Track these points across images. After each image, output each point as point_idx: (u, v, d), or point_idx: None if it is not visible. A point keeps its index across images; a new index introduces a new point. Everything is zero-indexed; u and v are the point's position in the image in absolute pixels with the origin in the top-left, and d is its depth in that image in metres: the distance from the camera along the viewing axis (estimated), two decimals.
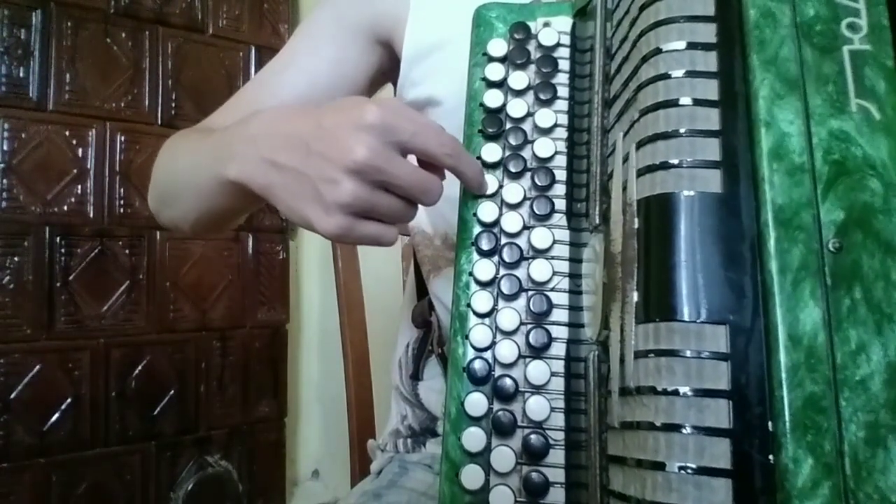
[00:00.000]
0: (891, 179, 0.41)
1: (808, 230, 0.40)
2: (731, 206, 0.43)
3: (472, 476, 0.53)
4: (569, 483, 0.53)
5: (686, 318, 0.41)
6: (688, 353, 0.41)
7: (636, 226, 0.46)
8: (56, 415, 1.87)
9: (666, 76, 0.46)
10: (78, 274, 1.93)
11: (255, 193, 0.60)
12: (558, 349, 0.56)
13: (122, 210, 2.01)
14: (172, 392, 2.08)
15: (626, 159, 0.49)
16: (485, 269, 0.58)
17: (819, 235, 0.40)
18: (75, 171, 1.94)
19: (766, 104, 0.43)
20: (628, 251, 0.46)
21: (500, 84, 0.64)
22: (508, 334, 0.56)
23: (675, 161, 0.44)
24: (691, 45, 0.46)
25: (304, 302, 2.59)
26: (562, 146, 0.61)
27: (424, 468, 0.91)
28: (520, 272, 0.58)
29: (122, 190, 2.01)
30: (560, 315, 0.57)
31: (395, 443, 0.96)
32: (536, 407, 0.54)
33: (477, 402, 0.55)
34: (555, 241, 0.58)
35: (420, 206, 0.59)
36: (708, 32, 0.46)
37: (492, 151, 0.62)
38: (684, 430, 0.40)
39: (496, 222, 0.60)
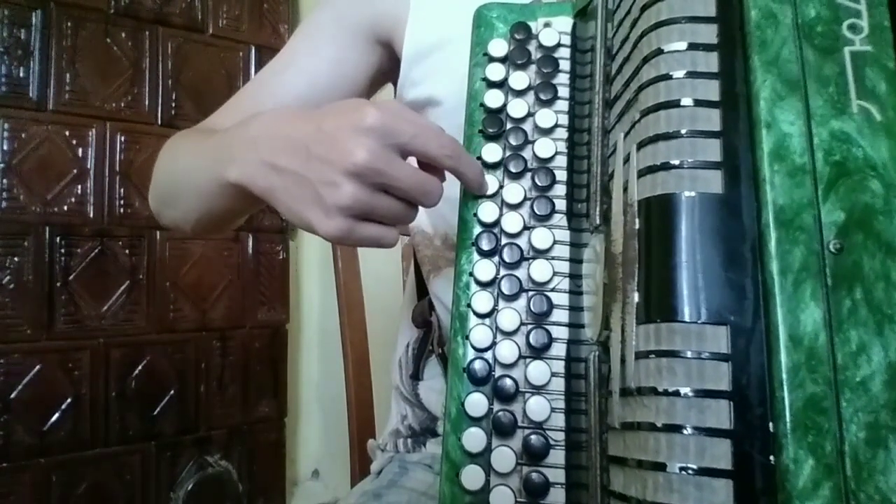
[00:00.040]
0: (891, 180, 0.41)
1: (809, 231, 0.40)
2: (732, 206, 0.43)
3: (472, 476, 0.53)
4: (569, 483, 0.53)
5: (687, 318, 0.41)
6: (689, 354, 0.41)
7: (637, 226, 0.46)
8: (56, 415, 1.87)
9: (667, 77, 0.46)
10: (78, 274, 1.93)
11: (256, 195, 0.60)
12: (559, 350, 0.56)
13: (122, 210, 2.01)
14: (172, 392, 2.08)
15: (626, 160, 0.49)
16: (485, 269, 0.58)
17: (820, 236, 0.40)
18: (75, 171, 1.94)
19: (767, 105, 0.43)
20: (629, 252, 0.46)
21: (501, 84, 0.64)
22: (509, 334, 0.56)
23: (676, 162, 0.44)
24: (692, 46, 0.46)
25: (304, 302, 2.59)
26: (562, 146, 0.61)
27: (424, 468, 0.91)
28: (520, 272, 0.58)
29: (122, 190, 2.01)
30: (560, 315, 0.57)
31: (395, 443, 0.96)
32: (537, 407, 0.54)
33: (477, 403, 0.55)
34: (555, 242, 0.58)
35: (421, 206, 0.59)
36: (709, 33, 0.46)
37: (492, 151, 0.62)
38: (685, 431, 0.40)
39: (496, 222, 0.60)
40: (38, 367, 1.85)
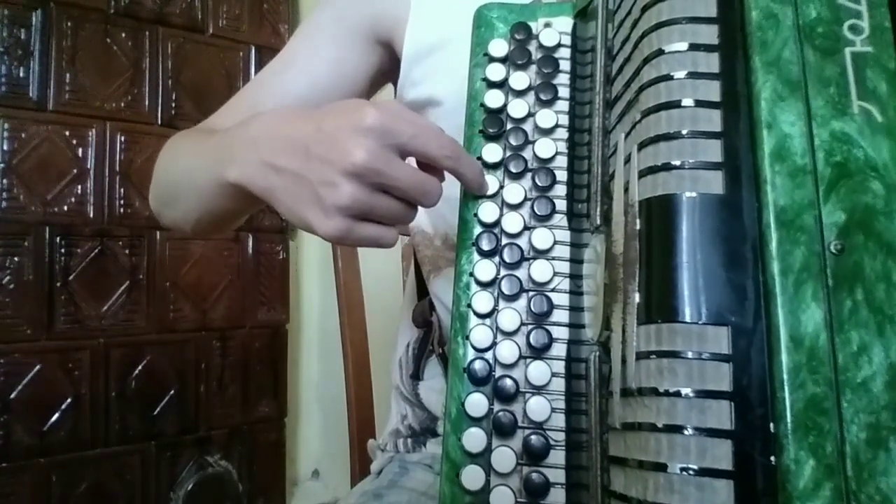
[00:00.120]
0: (892, 181, 0.41)
1: (810, 232, 0.40)
2: (733, 207, 0.43)
3: (472, 476, 0.53)
4: (569, 484, 0.53)
5: (688, 319, 0.41)
6: (689, 355, 0.41)
7: (638, 227, 0.46)
8: (56, 415, 1.87)
9: (668, 77, 0.46)
10: (78, 274, 1.93)
11: (255, 196, 0.61)
12: (559, 350, 0.56)
13: (122, 210, 2.01)
14: (172, 392, 2.08)
15: (627, 160, 0.49)
16: (485, 269, 0.58)
17: (821, 237, 0.40)
18: (75, 171, 1.94)
19: (767, 106, 0.43)
20: (630, 252, 0.46)
21: (501, 84, 0.64)
22: (509, 335, 0.56)
23: (677, 162, 0.44)
24: (693, 47, 0.46)
25: (304, 302, 2.59)
26: (563, 147, 0.62)
27: (424, 468, 0.91)
28: (520, 273, 0.58)
29: (122, 190, 2.01)
30: (561, 316, 0.57)
31: (396, 443, 0.96)
32: (537, 407, 0.54)
33: (477, 403, 0.55)
34: (555, 242, 0.58)
35: (420, 206, 0.59)
36: (710, 34, 0.46)
37: (492, 152, 0.62)
38: (686, 432, 0.40)
39: (497, 223, 0.60)
40: (38, 367, 1.85)
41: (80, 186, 1.95)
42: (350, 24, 0.89)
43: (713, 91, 0.45)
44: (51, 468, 1.85)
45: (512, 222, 0.59)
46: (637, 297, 0.45)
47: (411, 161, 0.58)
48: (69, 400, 1.89)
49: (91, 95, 1.97)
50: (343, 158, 0.54)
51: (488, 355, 0.56)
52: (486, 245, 0.59)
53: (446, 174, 0.60)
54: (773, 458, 0.38)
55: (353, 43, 0.89)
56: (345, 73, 0.89)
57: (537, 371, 0.55)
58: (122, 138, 2.02)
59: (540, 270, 0.57)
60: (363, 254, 1.33)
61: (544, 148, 0.61)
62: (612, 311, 0.48)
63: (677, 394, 0.41)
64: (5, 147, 1.83)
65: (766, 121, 0.42)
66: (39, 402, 1.85)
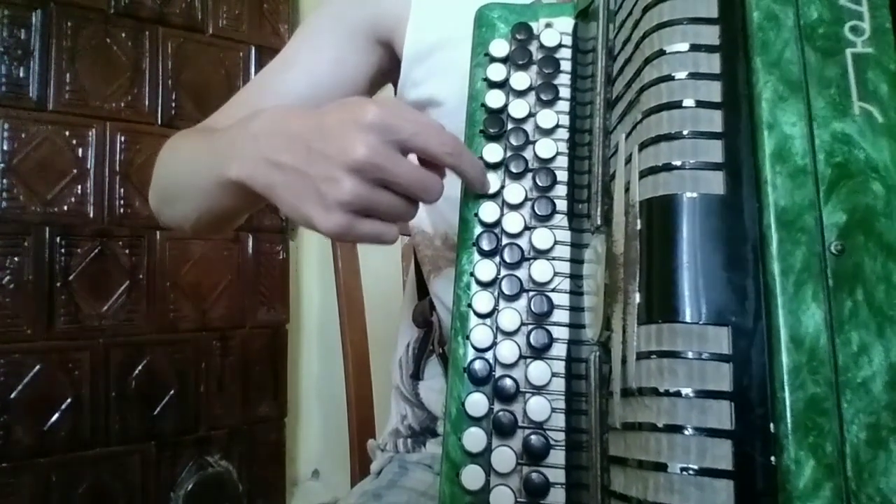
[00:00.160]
0: (893, 182, 0.41)
1: (811, 232, 0.40)
2: (734, 208, 0.43)
3: (472, 476, 0.53)
4: (569, 484, 0.53)
5: (688, 319, 0.41)
6: (689, 355, 0.41)
7: (638, 227, 0.46)
8: (56, 415, 1.87)
9: (669, 78, 0.46)
10: (78, 274, 1.93)
11: (257, 193, 0.61)
12: (559, 350, 0.56)
13: (122, 210, 2.01)
14: (172, 392, 2.08)
15: (628, 160, 0.49)
16: (486, 269, 0.58)
17: (821, 238, 0.40)
18: (75, 171, 1.94)
19: (768, 106, 0.43)
20: (630, 252, 0.46)
21: (502, 84, 0.64)
22: (509, 335, 0.56)
23: (678, 163, 0.44)
24: (694, 47, 0.46)
25: (304, 302, 2.59)
26: (563, 147, 0.62)
27: (424, 468, 0.91)
28: (521, 273, 0.58)
29: (122, 190, 2.01)
30: (561, 316, 0.57)
31: (395, 443, 0.96)
32: (537, 407, 0.54)
33: (477, 403, 0.55)
34: (556, 242, 0.58)
35: (420, 206, 0.59)
36: (711, 34, 0.46)
37: (493, 152, 0.62)
38: (686, 432, 0.40)
39: (497, 222, 0.60)
40: (38, 367, 1.85)
41: (80, 186, 1.95)
42: (351, 25, 0.89)
43: (714, 92, 0.45)
44: (51, 468, 1.86)
45: (512, 222, 0.59)
46: (637, 298, 0.45)
47: (413, 158, 0.58)
48: (69, 400, 1.89)
49: (91, 95, 1.97)
50: (344, 154, 0.54)
51: (488, 355, 0.56)
52: (486, 245, 0.59)
53: (447, 172, 0.60)
54: (773, 459, 0.38)
55: (353, 43, 0.89)
56: (345, 73, 0.89)
57: (537, 371, 0.55)
58: (122, 138, 2.02)
59: (540, 270, 0.57)
60: (363, 253, 1.33)
61: (545, 148, 0.61)
62: (613, 312, 0.48)
63: (678, 394, 0.41)
64: (5, 147, 1.83)
65: (766, 121, 0.43)
66: (39, 402, 1.85)
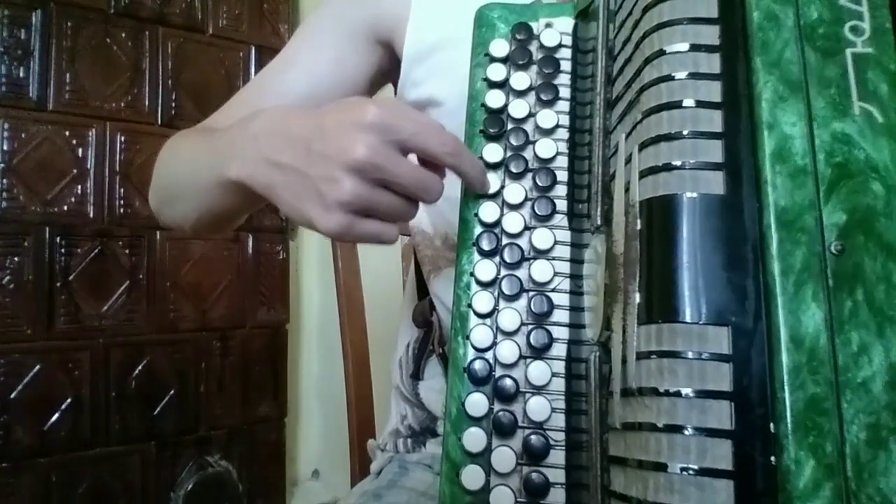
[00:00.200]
0: (893, 182, 0.41)
1: (811, 232, 0.40)
2: (734, 208, 0.43)
3: (472, 476, 0.53)
4: (569, 484, 0.53)
5: (688, 319, 0.41)
6: (690, 355, 0.41)
7: (638, 227, 0.46)
8: (56, 415, 1.87)
9: (669, 78, 0.46)
10: (78, 274, 1.93)
11: (256, 193, 0.61)
12: (559, 350, 0.56)
13: (122, 210, 2.01)
14: (172, 392, 2.08)
15: (628, 160, 0.49)
16: (486, 269, 0.58)
17: (821, 238, 0.40)
18: (75, 171, 1.94)
19: (768, 106, 0.43)
20: (630, 252, 0.46)
21: (502, 84, 0.64)
22: (509, 335, 0.56)
23: (678, 163, 0.44)
24: (694, 47, 0.46)
25: (304, 302, 2.59)
26: (563, 147, 0.62)
27: (424, 468, 0.91)
28: (521, 273, 0.58)
29: (122, 190, 2.01)
30: (561, 316, 0.57)
31: (395, 443, 0.96)
32: (537, 407, 0.54)
33: (477, 403, 0.55)
34: (556, 242, 0.58)
35: (420, 206, 0.59)
36: (711, 34, 0.46)
37: (493, 152, 0.62)
38: (686, 432, 0.40)
39: (497, 222, 0.60)
40: (38, 367, 1.85)
41: (80, 186, 1.95)
42: (351, 25, 0.89)
43: (714, 92, 0.45)
44: (51, 468, 1.86)
45: (512, 222, 0.59)
46: (637, 297, 0.45)
47: (413, 159, 0.58)
48: (69, 400, 1.89)
49: (91, 95, 1.97)
50: (344, 154, 0.54)
51: (488, 355, 0.56)
52: (486, 245, 0.59)
53: (447, 172, 0.60)
54: (773, 459, 0.38)
55: (353, 43, 0.89)
56: (345, 72, 0.89)
57: (537, 371, 0.55)
58: (122, 138, 2.02)
59: (540, 270, 0.57)
60: (363, 253, 1.33)
61: (545, 148, 0.61)
62: (613, 312, 0.48)
63: (677, 394, 0.41)
64: (5, 147, 1.83)
65: (766, 121, 0.43)
66: (39, 402, 1.85)
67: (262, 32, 2.32)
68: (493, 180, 0.61)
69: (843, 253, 0.40)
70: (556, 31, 0.65)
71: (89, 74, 1.96)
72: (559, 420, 0.54)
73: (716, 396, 0.40)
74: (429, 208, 0.89)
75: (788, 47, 0.44)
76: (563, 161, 0.61)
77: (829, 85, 0.43)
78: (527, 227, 0.59)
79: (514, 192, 0.60)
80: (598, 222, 0.55)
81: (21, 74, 1.86)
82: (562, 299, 0.57)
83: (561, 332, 0.56)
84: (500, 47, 0.65)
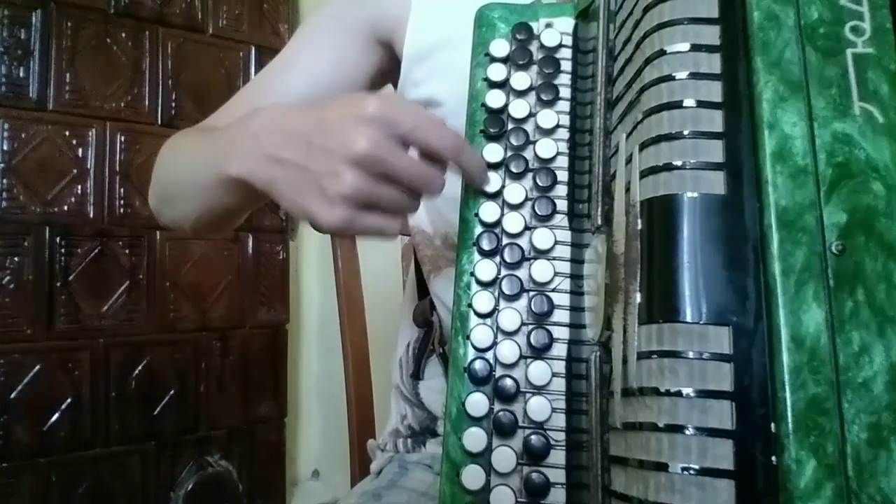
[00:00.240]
0: (893, 182, 0.41)
1: (812, 232, 0.41)
2: (735, 207, 0.43)
3: (472, 476, 0.53)
4: (570, 484, 0.53)
5: (689, 319, 0.41)
6: (690, 355, 0.41)
7: (639, 227, 0.46)
8: (56, 415, 1.87)
9: (669, 78, 0.46)
10: (78, 274, 1.93)
11: (257, 190, 0.61)
12: (559, 350, 0.56)
13: (122, 210, 2.01)
14: (172, 392, 2.08)
15: (629, 160, 0.49)
16: (486, 269, 0.58)
17: (822, 238, 0.40)
18: (75, 171, 1.94)
19: (769, 106, 0.43)
20: (631, 252, 0.46)
21: (502, 84, 0.64)
22: (509, 335, 0.56)
23: (679, 163, 0.44)
24: (695, 47, 0.46)
25: (304, 302, 2.59)
26: (563, 147, 0.62)
27: (424, 468, 0.91)
28: (521, 272, 0.58)
29: (122, 190, 2.01)
30: (561, 316, 0.57)
31: (395, 442, 0.96)
32: (537, 407, 0.54)
33: (478, 403, 0.55)
34: (556, 242, 0.58)
35: (420, 206, 0.59)
36: (712, 34, 0.46)
37: (493, 152, 0.62)
38: (687, 431, 0.40)
39: (498, 222, 0.60)
40: (38, 367, 1.85)
41: (80, 186, 1.95)
42: (351, 25, 0.89)
43: (715, 92, 0.45)
44: (51, 468, 1.86)
45: (513, 222, 0.59)
46: (638, 297, 0.45)
47: (413, 154, 0.58)
48: (69, 400, 1.89)
49: (91, 95, 1.97)
50: (345, 147, 0.54)
51: (489, 355, 0.56)
52: (486, 245, 0.59)
53: (448, 172, 0.60)
54: (774, 458, 0.38)
55: (353, 43, 0.89)
56: (345, 72, 0.89)
57: (538, 371, 0.55)
58: (122, 138, 2.02)
59: (541, 270, 0.57)
60: (363, 253, 1.33)
61: (545, 148, 0.61)
62: (614, 311, 0.48)
63: (678, 393, 0.41)
64: (5, 147, 1.83)
65: (767, 121, 0.43)
66: (39, 402, 1.85)
67: (262, 32, 2.32)
68: (494, 180, 0.61)
69: (843, 253, 0.40)
70: (556, 31, 0.65)
71: (89, 74, 1.96)
72: (559, 420, 0.54)
73: (717, 396, 0.40)
74: (428, 208, 0.89)
75: (789, 47, 0.44)
76: (563, 161, 0.61)
77: (829, 85, 0.43)
78: (527, 227, 0.59)
79: (515, 192, 0.60)
80: (599, 222, 0.55)
81: (21, 74, 1.86)
82: (562, 299, 0.57)
83: (561, 332, 0.56)
84: (500, 47, 0.65)
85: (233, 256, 2.23)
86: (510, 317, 0.57)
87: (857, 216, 0.41)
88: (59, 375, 1.88)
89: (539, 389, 0.55)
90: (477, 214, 0.60)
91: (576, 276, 0.58)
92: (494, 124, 0.62)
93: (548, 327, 0.56)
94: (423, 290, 0.97)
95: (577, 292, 0.57)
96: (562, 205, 0.60)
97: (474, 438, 0.54)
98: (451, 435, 0.55)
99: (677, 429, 0.40)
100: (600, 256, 0.53)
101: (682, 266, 0.42)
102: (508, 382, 0.55)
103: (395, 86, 0.91)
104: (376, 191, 0.55)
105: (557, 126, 0.62)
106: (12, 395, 1.81)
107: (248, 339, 2.26)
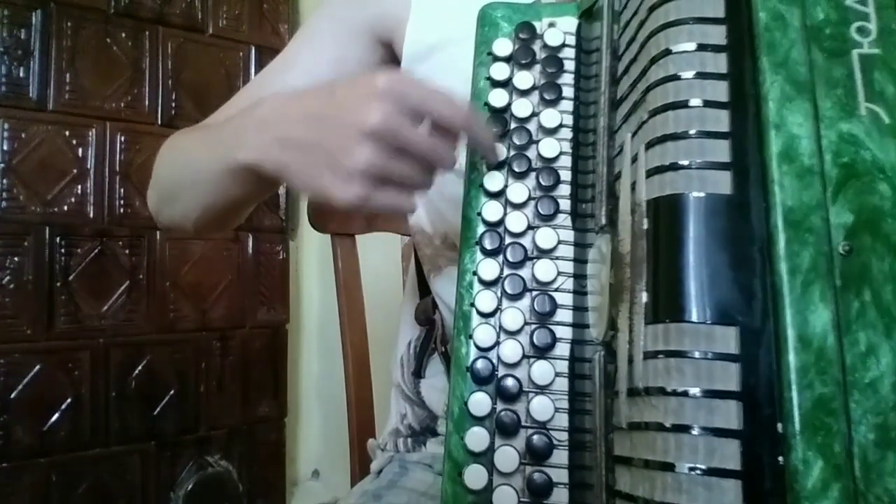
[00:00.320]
0: None
1: (818, 233, 0.41)
2: (741, 207, 0.43)
3: (475, 476, 0.53)
4: (572, 483, 0.53)
5: (695, 319, 0.41)
6: (697, 354, 0.41)
7: (645, 226, 0.46)
8: (56, 415, 1.86)
9: (675, 77, 0.46)
10: (78, 274, 1.93)
11: (267, 176, 0.61)
12: (562, 349, 0.56)
13: (122, 210, 2.01)
14: (172, 392, 2.08)
15: (634, 160, 0.49)
16: (489, 268, 0.58)
17: (829, 238, 0.40)
18: (75, 171, 1.94)
19: (775, 106, 0.43)
20: (637, 252, 0.46)
21: (505, 84, 0.64)
22: (512, 334, 0.56)
23: (685, 162, 0.44)
24: (701, 47, 0.46)
25: (304, 302, 2.59)
26: (567, 146, 0.61)
27: (424, 468, 0.91)
28: (524, 272, 0.58)
29: (122, 190, 2.01)
30: (564, 315, 0.57)
31: (395, 442, 0.96)
32: (540, 407, 0.54)
33: (480, 402, 0.55)
34: (559, 242, 0.58)
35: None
36: (718, 34, 0.46)
37: (496, 151, 0.62)
38: (694, 431, 0.40)
39: (500, 222, 0.60)
40: (38, 367, 1.85)
41: (80, 186, 1.95)
42: (351, 25, 0.89)
43: (721, 91, 0.45)
44: (51, 468, 1.85)
45: (516, 221, 0.59)
46: (644, 297, 0.45)
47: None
48: (69, 400, 1.89)
49: (91, 95, 1.97)
50: (359, 122, 0.54)
51: (491, 354, 0.56)
52: (489, 244, 0.59)
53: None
54: (781, 459, 0.38)
55: (354, 43, 0.89)
56: (346, 72, 0.89)
57: (540, 370, 0.55)
58: (122, 138, 2.02)
59: (543, 270, 0.57)
60: (363, 253, 1.33)
61: (548, 147, 0.61)
62: (619, 311, 0.48)
63: (685, 393, 0.41)
64: (5, 147, 1.83)
65: (774, 121, 0.43)
66: (39, 402, 1.85)
67: (262, 32, 2.32)
68: (497, 179, 0.60)
69: (850, 253, 0.40)
70: (559, 30, 0.65)
71: (89, 74, 1.96)
72: (562, 420, 0.54)
73: (723, 396, 0.40)
74: (428, 208, 0.89)
75: (795, 48, 0.44)
76: (566, 161, 0.61)
77: (835, 85, 0.43)
78: (530, 227, 0.59)
79: (518, 192, 0.60)
80: (603, 222, 0.55)
81: (21, 74, 1.86)
82: (565, 299, 0.57)
83: (564, 332, 0.56)
84: (503, 46, 0.65)
85: (233, 256, 2.23)
86: (513, 316, 0.56)
87: (864, 217, 0.41)
88: (59, 375, 1.88)
89: (542, 389, 0.55)
90: (480, 213, 0.60)
91: (579, 276, 0.58)
92: (497, 123, 0.62)
93: (550, 327, 0.56)
94: (423, 288, 0.97)
95: (580, 292, 0.57)
96: (565, 204, 0.60)
97: (477, 438, 0.54)
98: (453, 434, 0.54)
99: (684, 429, 0.40)
100: (604, 256, 0.53)
101: (688, 266, 0.42)
102: (511, 382, 0.55)
103: None
104: (391, 165, 0.55)
105: (560, 125, 0.62)
106: (12, 395, 1.81)
107: (248, 339, 2.26)
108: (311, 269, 2.61)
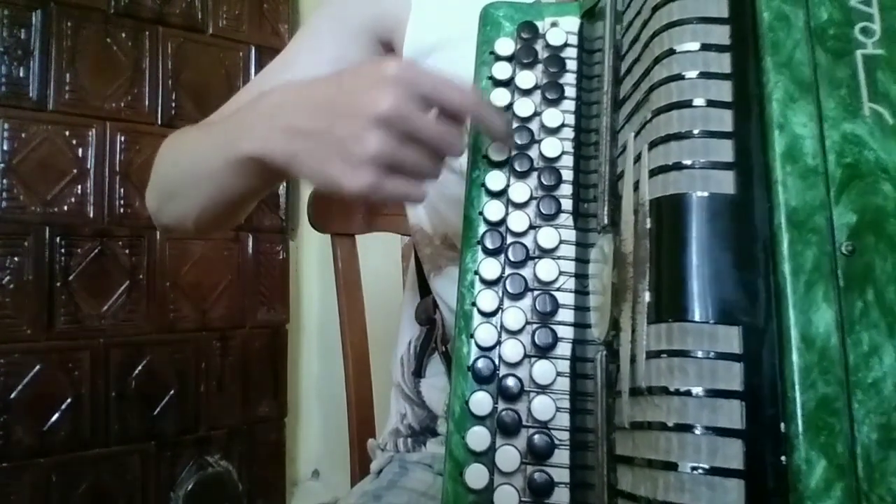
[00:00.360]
0: None
1: (822, 233, 0.41)
2: (745, 207, 0.43)
3: (476, 475, 0.53)
4: (574, 483, 0.53)
5: (698, 318, 0.41)
6: (700, 354, 0.41)
7: (648, 226, 0.46)
8: (56, 415, 1.86)
9: (679, 77, 0.46)
10: (78, 274, 1.93)
11: (273, 168, 0.60)
12: (564, 349, 0.56)
13: (122, 210, 2.01)
14: (172, 392, 2.08)
15: (637, 159, 0.49)
16: (490, 267, 0.58)
17: (832, 238, 0.40)
18: (75, 171, 1.94)
19: (779, 107, 0.43)
20: (640, 251, 0.46)
21: (507, 83, 0.64)
22: (514, 333, 0.56)
23: (688, 162, 0.44)
24: (705, 47, 0.46)
25: (304, 302, 2.59)
26: (569, 146, 0.61)
27: (424, 468, 0.91)
28: (526, 271, 0.58)
29: (122, 190, 2.01)
30: (566, 315, 0.57)
31: (395, 442, 0.95)
32: (541, 407, 0.54)
33: (481, 402, 0.55)
34: (561, 241, 0.58)
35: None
36: (722, 34, 0.47)
37: (498, 150, 0.62)
38: (696, 431, 0.40)
39: (502, 221, 0.60)
40: (38, 367, 1.85)
41: (80, 186, 1.95)
42: (351, 25, 0.89)
43: (725, 91, 0.45)
44: (51, 468, 1.85)
45: (517, 221, 0.59)
46: (647, 297, 0.45)
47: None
48: (69, 400, 1.89)
49: (91, 95, 1.97)
50: (368, 108, 0.54)
51: (493, 354, 0.56)
52: (491, 243, 0.59)
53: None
54: (784, 458, 0.38)
55: (354, 43, 0.89)
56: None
57: (542, 370, 0.55)
58: (122, 138, 2.02)
59: (545, 269, 0.57)
60: (363, 253, 1.33)
61: (550, 147, 0.61)
62: (621, 311, 0.48)
63: (688, 393, 0.41)
64: (5, 147, 1.83)
65: (777, 121, 0.43)
66: (39, 402, 1.85)
67: (262, 32, 2.32)
68: (499, 179, 0.60)
69: (853, 253, 0.40)
70: (561, 30, 0.65)
71: (89, 74, 1.96)
72: (564, 419, 0.54)
73: (726, 396, 0.40)
74: (428, 208, 0.89)
75: (799, 48, 0.44)
76: (568, 160, 0.61)
77: (839, 86, 0.43)
78: (532, 226, 0.59)
79: (519, 191, 0.60)
80: (605, 222, 0.55)
81: (21, 74, 1.86)
82: (567, 298, 0.57)
83: (566, 332, 0.56)
84: (505, 46, 0.65)
85: (233, 256, 2.23)
86: (514, 316, 0.56)
87: (867, 217, 0.41)
88: (59, 375, 1.88)
89: (543, 389, 0.55)
90: (481, 213, 0.60)
91: (581, 276, 0.58)
92: None
93: (552, 326, 0.56)
94: (424, 288, 0.97)
95: (581, 292, 0.57)
96: (567, 204, 0.60)
97: (478, 437, 0.54)
98: (454, 434, 0.54)
99: (687, 428, 0.40)
100: (606, 256, 0.53)
101: (691, 265, 0.42)
102: (512, 381, 0.55)
103: None
104: (400, 152, 0.55)
105: (562, 125, 0.62)
106: (12, 395, 1.81)
107: (248, 339, 2.26)
108: (311, 269, 2.61)
